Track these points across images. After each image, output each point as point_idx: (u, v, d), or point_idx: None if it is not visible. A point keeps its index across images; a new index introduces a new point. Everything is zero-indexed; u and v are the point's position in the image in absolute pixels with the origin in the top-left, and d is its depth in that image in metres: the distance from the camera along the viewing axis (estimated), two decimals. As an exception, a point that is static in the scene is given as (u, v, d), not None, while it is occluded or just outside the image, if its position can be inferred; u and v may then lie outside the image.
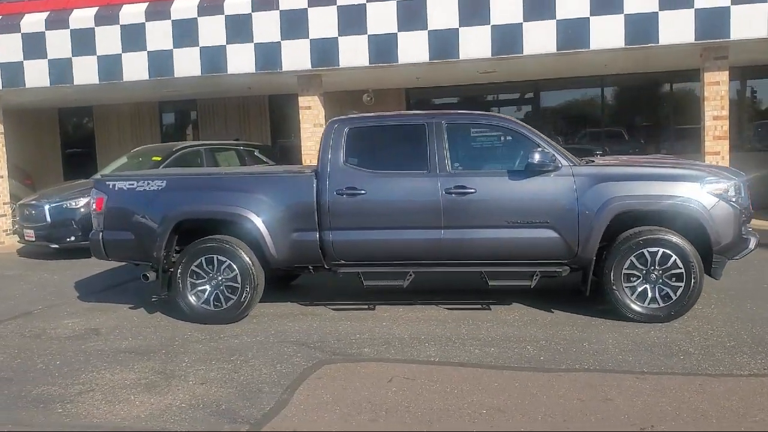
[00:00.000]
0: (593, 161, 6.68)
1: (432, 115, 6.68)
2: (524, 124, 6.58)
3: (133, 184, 6.83)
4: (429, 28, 10.91)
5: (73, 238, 11.04)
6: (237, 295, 6.63)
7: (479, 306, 6.95)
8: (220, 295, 6.68)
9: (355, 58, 11.24)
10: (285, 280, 8.23)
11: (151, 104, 17.31)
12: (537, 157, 6.12)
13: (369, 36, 11.14)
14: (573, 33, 10.46)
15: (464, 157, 6.54)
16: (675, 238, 6.05)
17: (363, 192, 6.45)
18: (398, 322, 6.50)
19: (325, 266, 6.73)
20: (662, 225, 6.16)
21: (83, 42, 12.15)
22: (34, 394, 5.02)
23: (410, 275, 6.55)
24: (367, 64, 11.25)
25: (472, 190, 6.30)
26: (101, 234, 6.90)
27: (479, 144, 6.73)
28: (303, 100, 12.09)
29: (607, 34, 10.38)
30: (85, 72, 12.24)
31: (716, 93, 10.72)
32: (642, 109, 15.62)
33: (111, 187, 6.87)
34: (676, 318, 6.13)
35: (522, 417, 4.26)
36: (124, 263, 8.07)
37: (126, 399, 4.84)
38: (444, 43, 10.88)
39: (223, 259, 6.63)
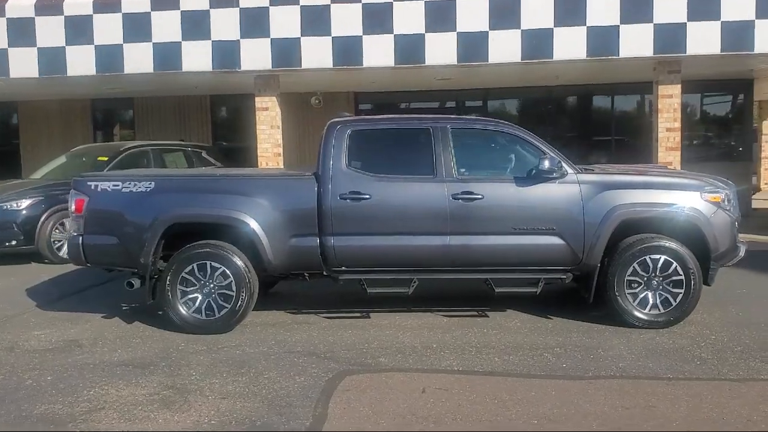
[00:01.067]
0: (593, 169, 6.75)
1: (436, 119, 6.59)
2: (527, 131, 6.58)
3: (118, 185, 6.39)
4: (395, 32, 10.83)
5: (14, 242, 10.27)
6: (231, 304, 6.31)
7: (475, 313, 6.90)
8: (213, 304, 6.33)
9: (318, 60, 11.02)
10: (263, 288, 7.91)
11: (83, 102, 16.40)
12: (546, 164, 6.13)
13: (333, 38, 10.96)
14: (538, 43, 10.64)
15: (469, 162, 6.47)
16: (676, 246, 6.20)
17: (367, 196, 6.28)
18: (402, 330, 6.36)
19: (324, 273, 6.51)
20: (662, 232, 6.30)
21: (22, 32, 11.36)
22: (37, 414, 4.58)
23: (414, 282, 6.42)
24: (330, 66, 11.06)
25: (480, 196, 6.24)
26: (81, 238, 6.41)
27: (484, 149, 6.68)
28: (260, 101, 11.75)
29: (570, 45, 10.62)
30: (24, 65, 11.45)
31: (669, 105, 11.15)
32: (587, 120, 16.08)
33: (93, 187, 6.40)
34: (675, 324, 6.27)
35: (576, 427, 4.21)
36: (77, 268, 7.52)
37: (146, 417, 4.49)
38: (410, 49, 10.83)
39: (217, 265, 6.30)
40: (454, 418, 4.36)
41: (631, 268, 6.21)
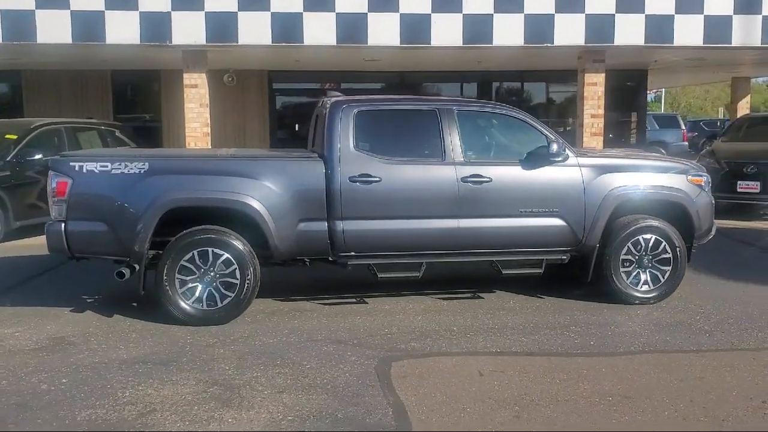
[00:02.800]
0: (586, 153, 6.98)
1: (441, 101, 6.54)
2: (528, 114, 6.69)
3: (106, 166, 5.82)
4: (337, 11, 10.61)
5: None
6: (236, 292, 5.95)
7: (469, 295, 6.96)
8: (215, 293, 5.95)
9: (256, 36, 10.58)
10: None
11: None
12: (555, 147, 6.28)
13: (272, 13, 10.54)
14: (478, 29, 10.81)
15: (476, 145, 6.49)
16: (665, 226, 6.57)
17: (378, 179, 6.14)
18: (410, 314, 6.29)
19: (330, 258, 6.30)
20: (652, 213, 6.65)
21: None
22: (83, 420, 4.11)
23: (423, 266, 6.37)
24: (269, 42, 10.65)
25: (488, 179, 6.28)
26: (64, 225, 5.78)
27: (488, 133, 6.72)
28: (189, 78, 11.13)
29: (508, 32, 10.89)
30: None
31: (594, 93, 11.75)
32: (516, 106, 16.51)
33: (77, 169, 5.79)
34: (663, 299, 6.66)
35: (652, 401, 4.37)
36: None
37: (210, 417, 4.15)
38: (353, 28, 10.65)
39: (220, 252, 5.92)
40: (533, 400, 4.39)
41: (625, 248, 6.51)
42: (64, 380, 4.74)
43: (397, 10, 10.62)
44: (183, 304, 5.88)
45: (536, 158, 6.40)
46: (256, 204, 5.92)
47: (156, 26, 10.32)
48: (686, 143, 27.19)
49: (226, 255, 5.92)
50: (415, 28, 10.66)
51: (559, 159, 6.38)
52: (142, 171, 5.83)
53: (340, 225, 6.12)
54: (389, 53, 11.82)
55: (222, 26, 10.45)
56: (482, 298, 6.88)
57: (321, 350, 5.33)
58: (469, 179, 6.26)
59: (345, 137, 6.17)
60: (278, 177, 6.03)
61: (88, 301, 6.86)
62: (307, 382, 4.70)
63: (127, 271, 5.92)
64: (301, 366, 5.00)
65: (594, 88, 11.69)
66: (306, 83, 15.58)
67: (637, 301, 6.53)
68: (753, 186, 11.59)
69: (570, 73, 14.68)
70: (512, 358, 5.18)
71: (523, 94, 16.13)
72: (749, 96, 18.78)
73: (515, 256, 6.50)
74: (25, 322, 6.09)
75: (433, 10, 10.65)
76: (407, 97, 6.83)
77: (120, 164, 5.82)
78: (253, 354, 5.26)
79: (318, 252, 6.24)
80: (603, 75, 11.71)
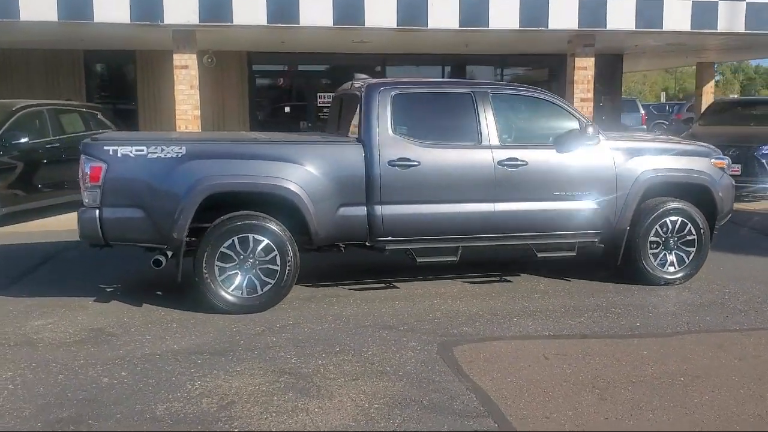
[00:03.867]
0: (614, 136, 7.01)
1: (476, 84, 6.52)
2: (560, 97, 6.71)
3: (142, 150, 5.59)
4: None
5: None
6: (276, 279, 5.83)
7: (497, 278, 6.99)
8: (255, 280, 5.82)
9: (251, 16, 10.32)
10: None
11: None
12: (590, 130, 6.32)
13: (268, -7, 10.29)
14: (475, 12, 10.78)
15: (511, 128, 6.47)
16: (690, 208, 6.70)
17: (417, 163, 6.07)
18: (447, 299, 6.27)
19: (367, 243, 6.21)
20: (678, 196, 6.77)
21: None
22: (163, 414, 3.96)
23: (459, 250, 6.35)
24: (265, 23, 10.40)
25: (524, 162, 6.29)
26: (98, 212, 5.55)
27: (522, 116, 6.70)
28: (179, 59, 10.79)
29: (505, 15, 10.89)
30: None
31: (583, 77, 11.88)
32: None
33: (112, 153, 5.54)
34: (688, 280, 6.80)
35: (722, 380, 4.45)
36: None
37: (295, 407, 4.05)
38: (350, 10, 10.48)
39: (261, 238, 5.78)
40: (609, 382, 4.42)
41: (653, 230, 6.62)
42: (123, 373, 4.56)
43: (398, -8, 10.54)
44: (223, 293, 5.73)
45: (570, 141, 6.43)
46: (297, 189, 5.79)
47: (147, 5, 9.95)
48: (645, 127, 27.92)
49: (267, 241, 5.78)
50: (412, 10, 10.57)
51: (592, 142, 6.43)
52: (180, 155, 5.63)
53: (379, 209, 6.04)
54: (379, 36, 11.70)
55: (216, 5, 10.15)
56: (510, 281, 6.91)
57: (375, 336, 5.27)
58: (506, 163, 6.25)
59: (383, 121, 6.08)
60: (318, 161, 5.91)
61: (108, 290, 6.64)
62: (376, 369, 4.64)
63: (163, 259, 5.74)
64: (362, 353, 4.93)
65: (584, 72, 11.82)
66: (287, 65, 15.30)
67: (664, 282, 6.66)
68: (734, 169, 11.90)
69: (552, 57, 14.86)
70: (569, 341, 5.22)
71: (503, 78, 16.17)
72: (713, 81, 19.32)
73: (549, 240, 6.53)
74: (51, 314, 5.84)
75: (430, -6, 10.60)
76: (441, 80, 6.79)
77: (156, 148, 5.61)
78: (309, 341, 5.16)
79: (356, 237, 6.15)
80: (593, 59, 11.86)
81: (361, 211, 6.03)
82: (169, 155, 5.61)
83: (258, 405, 4.08)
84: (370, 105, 6.10)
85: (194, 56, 10.76)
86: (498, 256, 7.59)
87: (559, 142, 6.44)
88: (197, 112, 10.88)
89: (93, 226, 5.55)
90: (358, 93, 6.35)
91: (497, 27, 10.86)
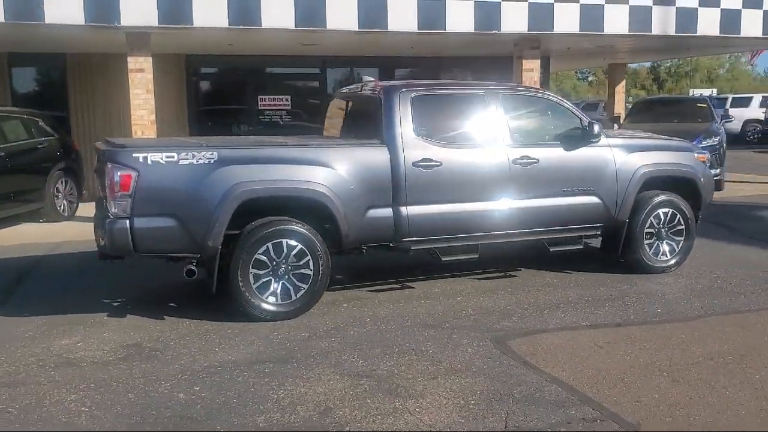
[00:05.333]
0: (612, 134, 7.34)
1: (486, 86, 6.68)
2: (561, 97, 7.00)
3: (172, 156, 5.39)
4: (295, -6, 10.33)
5: None
6: (310, 284, 5.78)
7: (501, 274, 7.19)
8: (289, 286, 5.74)
9: (212, 18, 10.05)
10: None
11: None
12: (596, 128, 6.63)
13: (230, -5, 10.06)
14: (433, 15, 10.98)
15: (521, 128, 6.67)
16: (678, 200, 7.15)
17: (439, 164, 6.18)
18: (469, 296, 6.40)
19: (391, 244, 6.25)
20: (668, 188, 7.20)
21: None
22: (264, 425, 3.88)
23: (479, 247, 6.50)
24: (226, 25, 10.16)
25: (536, 160, 6.52)
26: (129, 222, 5.30)
27: (530, 115, 6.91)
28: (134, 62, 10.33)
29: (460, 19, 11.14)
30: None
31: (530, 78, 12.33)
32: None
33: (142, 160, 5.31)
34: (678, 267, 7.26)
35: (766, 357, 4.84)
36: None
37: (393, 408, 4.05)
38: (312, 12, 10.42)
39: (294, 243, 5.71)
40: (670, 364, 4.68)
41: (648, 221, 7.03)
42: (195, 387, 4.41)
43: (354, -5, 10.56)
44: (259, 300, 5.63)
45: (575, 139, 6.72)
46: (329, 192, 5.77)
47: (103, 5, 9.49)
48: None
49: (300, 246, 5.72)
50: (373, 13, 10.62)
51: (596, 140, 6.74)
52: (212, 161, 5.47)
53: (405, 210, 6.11)
54: (333, 38, 11.67)
55: (175, 6, 9.80)
56: (516, 276, 7.13)
57: (424, 336, 5.33)
58: (519, 161, 6.46)
59: (405, 122, 6.14)
60: (347, 164, 5.90)
61: (115, 305, 6.36)
62: (448, 366, 4.71)
63: (196, 269, 5.56)
64: (424, 352, 4.98)
65: (531, 74, 12.27)
66: (226, 68, 14.94)
67: (659, 270, 7.08)
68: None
69: (487, 60, 15.34)
70: (609, 330, 5.46)
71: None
72: (624, 81, 20.48)
73: (558, 234, 6.80)
74: (72, 332, 5.53)
75: (389, -3, 10.71)
76: (454, 82, 6.90)
77: (187, 154, 5.42)
78: (363, 344, 5.16)
79: (382, 238, 6.18)
80: (538, 61, 12.35)
81: (388, 212, 6.06)
82: (201, 161, 5.44)
83: (357, 409, 4.07)
84: (393, 107, 6.15)
85: (150, 59, 10.34)
86: (489, 251, 7.78)
87: (566, 140, 6.72)
88: (153, 117, 10.47)
89: (124, 236, 5.30)
90: (375, 95, 6.38)
91: (454, 30, 11.10)
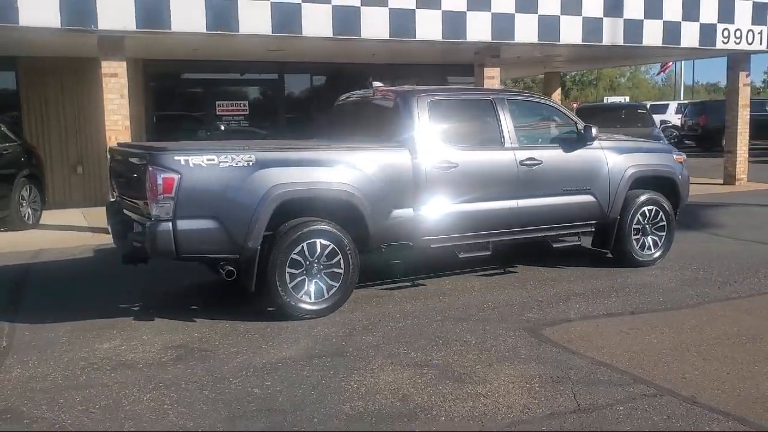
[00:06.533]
0: (603, 137, 7.79)
1: (493, 91, 7.04)
2: (556, 102, 7.43)
3: (213, 159, 5.48)
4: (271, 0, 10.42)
5: None
6: (341, 282, 5.97)
7: (501, 271, 7.55)
8: (322, 285, 5.91)
9: (191, 23, 10.01)
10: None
11: None
12: (593, 131, 7.09)
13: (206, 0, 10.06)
14: (403, 23, 11.29)
15: (525, 131, 7.05)
16: (660, 197, 7.72)
17: (456, 165, 6.48)
18: (483, 291, 6.72)
19: (410, 243, 6.50)
20: (652, 188, 7.74)
21: None
22: (353, 413, 4.06)
23: (491, 244, 6.84)
24: (204, 30, 10.14)
25: (540, 161, 6.92)
26: (172, 224, 5.34)
27: (532, 119, 7.30)
28: (108, 66, 10.15)
29: (429, 27, 11.50)
30: None
31: (491, 85, 12.80)
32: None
33: (184, 163, 5.37)
34: (661, 260, 7.82)
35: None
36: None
37: (468, 394, 4.31)
38: (289, 18, 10.53)
39: (326, 242, 5.88)
40: (693, 345, 5.12)
41: (636, 218, 7.55)
42: (267, 383, 4.53)
43: (330, 2, 10.71)
44: (295, 299, 5.78)
45: (573, 141, 7.17)
46: (359, 194, 5.97)
47: (79, 8, 9.30)
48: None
49: (332, 245, 5.90)
50: (346, 20, 10.82)
51: (591, 142, 7.21)
52: (250, 163, 5.58)
53: (425, 210, 6.37)
54: (303, 45, 11.80)
55: (154, 10, 9.71)
56: (516, 272, 7.51)
57: (461, 328, 5.60)
58: (526, 162, 6.84)
59: (425, 126, 6.41)
60: (374, 166, 6.12)
61: (134, 309, 6.34)
62: (498, 355, 5.00)
63: (234, 270, 5.65)
64: (467, 342, 5.26)
65: (492, 81, 12.75)
66: (184, 73, 14.76)
67: (645, 264, 7.61)
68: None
69: (443, 67, 15.80)
70: (628, 317, 5.88)
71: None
72: (559, 89, 21.44)
73: (558, 231, 7.22)
74: (109, 336, 5.53)
75: (363, 4, 10.90)
76: (465, 88, 7.23)
77: (226, 157, 5.52)
78: (407, 337, 5.38)
79: (405, 237, 6.42)
80: (498, 69, 12.85)
81: (410, 212, 6.31)
82: (240, 164, 5.55)
83: (433, 395, 4.30)
84: (412, 111, 6.41)
85: (124, 64, 10.18)
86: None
87: (564, 142, 7.16)
88: (128, 123, 10.32)
89: (167, 239, 5.33)
90: (392, 100, 6.62)
91: (423, 38, 11.43)
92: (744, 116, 15.63)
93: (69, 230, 10.75)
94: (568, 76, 61.29)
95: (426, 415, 4.03)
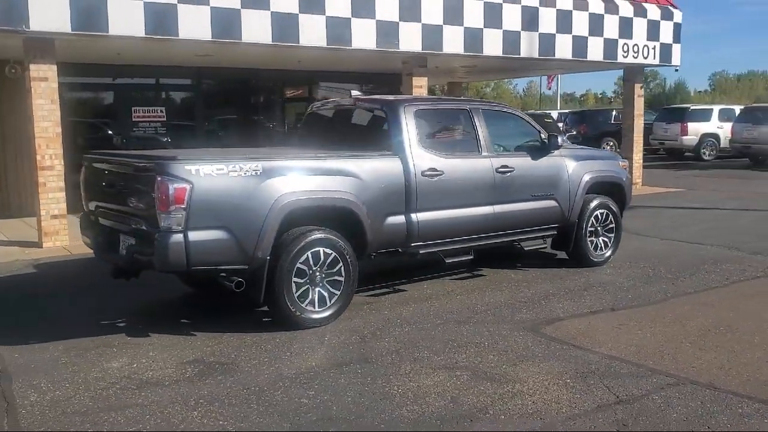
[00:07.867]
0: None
1: (468, 101, 7.30)
2: (523, 112, 7.80)
3: (222, 169, 5.37)
4: (211, 5, 10.20)
5: None
6: (342, 290, 6.00)
7: (470, 275, 7.82)
8: (324, 293, 5.92)
9: (129, 26, 9.62)
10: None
11: None
12: (560, 140, 7.51)
13: (145, 3, 9.70)
14: (339, 31, 11.38)
15: (498, 140, 7.35)
16: (609, 202, 8.27)
17: (442, 173, 6.67)
18: (466, 294, 6.96)
19: (400, 249, 6.62)
20: (602, 192, 8.27)
21: None
22: (412, 416, 4.15)
23: (473, 249, 7.08)
24: (142, 34, 9.77)
25: (512, 169, 7.25)
26: (184, 236, 5.17)
27: (503, 129, 7.57)
28: (37, 70, 9.57)
29: (364, 36, 11.65)
30: None
31: (419, 93, 13.13)
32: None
33: (195, 172, 5.22)
34: (611, 259, 8.37)
35: (762, 323, 5.91)
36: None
37: (507, 393, 4.51)
38: (228, 24, 10.36)
39: (329, 251, 5.90)
40: (689, 335, 5.58)
41: (590, 221, 8.06)
42: (310, 392, 4.53)
43: (269, 8, 10.59)
44: (299, 308, 5.76)
45: (540, 150, 7.56)
46: (358, 201, 6.04)
47: (7, 6, 8.68)
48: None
49: (334, 254, 5.92)
50: (285, 27, 10.75)
51: (555, 151, 7.63)
52: (258, 173, 5.52)
53: (416, 217, 6.52)
54: (243, 51, 11.59)
55: (91, 12, 9.21)
56: (484, 275, 7.80)
57: (466, 330, 5.80)
58: (500, 169, 7.15)
59: (413, 134, 6.56)
60: (371, 175, 6.20)
61: (120, 325, 6.08)
62: (516, 354, 5.23)
63: (243, 281, 5.55)
64: (480, 344, 5.46)
65: (420, 90, 13.03)
66: (100, 78, 14.01)
67: (599, 263, 8.13)
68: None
69: (368, 75, 15.97)
70: (611, 314, 6.26)
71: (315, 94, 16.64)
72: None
73: (526, 235, 7.58)
74: (111, 354, 5.30)
75: (300, 11, 10.87)
76: (443, 98, 7.39)
77: (236, 166, 5.42)
78: (419, 342, 5.50)
79: (396, 244, 6.53)
80: (426, 78, 13.17)
81: (402, 219, 6.44)
82: (248, 173, 5.47)
83: (480, 395, 4.46)
84: (400, 120, 6.54)
85: (54, 67, 9.60)
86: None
87: (531, 151, 7.54)
88: (59, 129, 9.73)
89: (179, 250, 5.16)
90: (379, 108, 6.72)
91: (359, 46, 11.56)
92: (639, 125, 16.88)
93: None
94: (437, 86, 63.64)
95: (484, 414, 4.18)
